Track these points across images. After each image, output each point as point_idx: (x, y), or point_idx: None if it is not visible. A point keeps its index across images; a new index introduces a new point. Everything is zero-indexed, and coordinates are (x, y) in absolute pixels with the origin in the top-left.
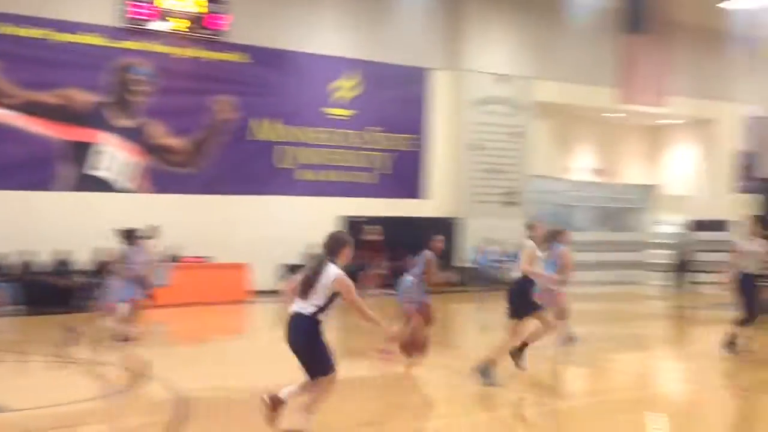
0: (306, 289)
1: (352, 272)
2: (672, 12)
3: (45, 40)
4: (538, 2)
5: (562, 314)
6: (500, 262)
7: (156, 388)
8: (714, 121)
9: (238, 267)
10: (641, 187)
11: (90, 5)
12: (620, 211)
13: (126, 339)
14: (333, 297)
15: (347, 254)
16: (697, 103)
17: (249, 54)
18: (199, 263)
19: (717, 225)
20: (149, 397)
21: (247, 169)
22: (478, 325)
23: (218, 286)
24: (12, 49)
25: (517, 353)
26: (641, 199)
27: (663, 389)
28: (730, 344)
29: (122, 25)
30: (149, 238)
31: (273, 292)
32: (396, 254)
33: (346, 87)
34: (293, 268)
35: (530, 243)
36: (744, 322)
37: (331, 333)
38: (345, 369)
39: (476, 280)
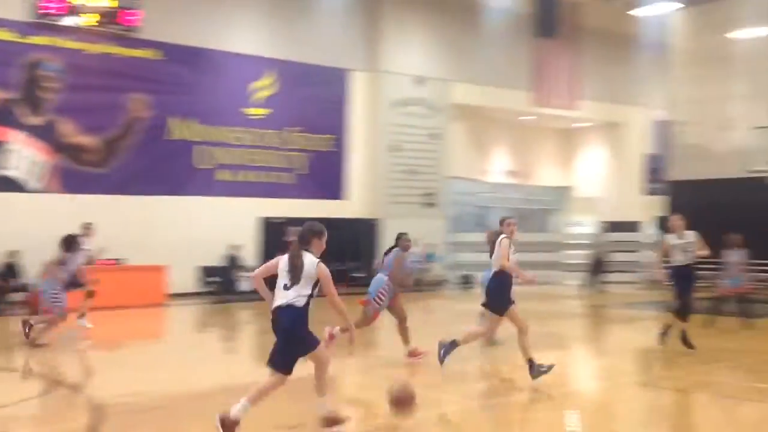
0: (295, 279)
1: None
2: (583, 18)
3: None
4: (455, 6)
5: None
6: (419, 262)
7: (70, 394)
8: (623, 124)
9: (155, 269)
10: (555, 189)
11: None
12: (535, 212)
13: (38, 344)
14: (316, 284)
15: (320, 244)
16: (607, 107)
17: (163, 51)
18: (114, 266)
19: (628, 226)
20: (63, 404)
21: (164, 169)
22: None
23: (135, 289)
24: None
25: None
26: (555, 201)
27: (579, 386)
28: (663, 335)
29: (32, 20)
30: (86, 236)
31: (192, 295)
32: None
33: (264, 86)
34: (212, 271)
35: (506, 239)
36: (679, 314)
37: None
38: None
39: None
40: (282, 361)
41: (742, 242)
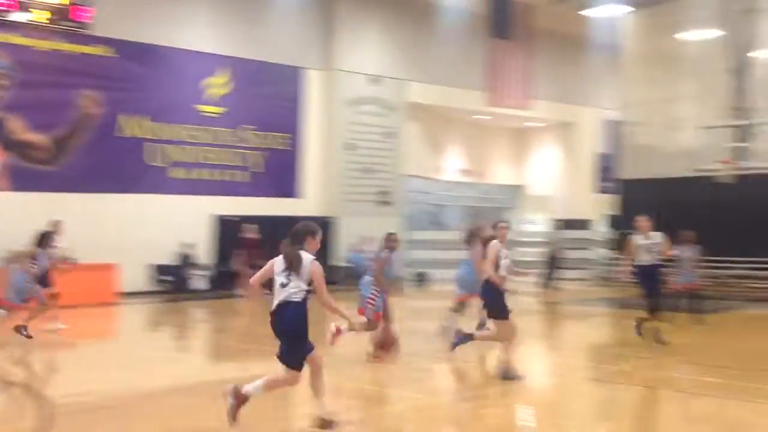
0: (293, 271)
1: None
2: (536, 19)
3: None
4: (410, 6)
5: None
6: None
7: (19, 394)
8: (575, 124)
9: (106, 268)
10: (509, 187)
11: None
12: (489, 210)
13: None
14: (310, 284)
15: (315, 243)
16: (560, 107)
17: (114, 48)
18: (64, 264)
19: (580, 224)
20: (11, 405)
21: (115, 167)
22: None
23: (85, 287)
24: None
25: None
26: (509, 199)
27: (532, 382)
28: (637, 327)
29: None
30: (56, 233)
31: (144, 294)
32: (272, 254)
33: (217, 84)
34: (165, 269)
35: (496, 243)
36: (651, 311)
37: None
38: (219, 370)
39: (351, 279)
40: (291, 358)
41: (694, 239)
